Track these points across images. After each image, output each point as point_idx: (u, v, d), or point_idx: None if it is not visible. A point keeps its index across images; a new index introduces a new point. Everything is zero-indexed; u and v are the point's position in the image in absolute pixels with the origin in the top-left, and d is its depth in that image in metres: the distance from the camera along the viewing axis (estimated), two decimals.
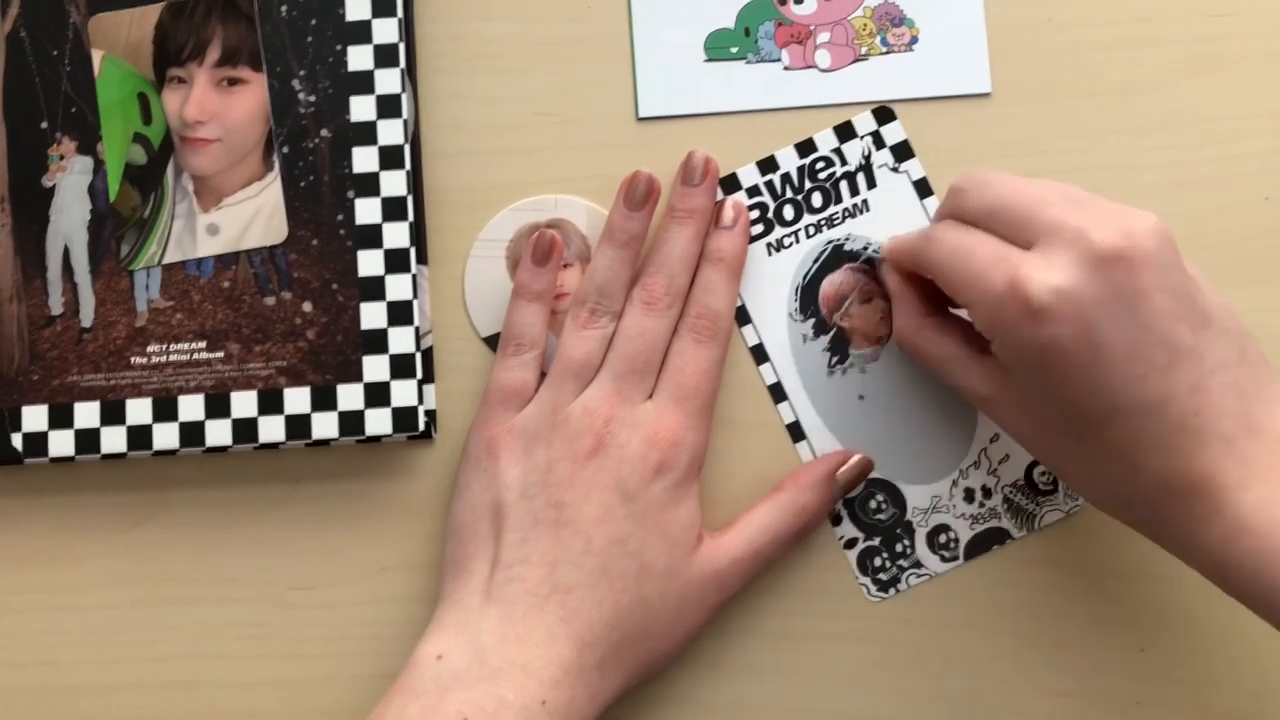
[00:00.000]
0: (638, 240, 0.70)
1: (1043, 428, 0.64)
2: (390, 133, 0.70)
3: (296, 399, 0.70)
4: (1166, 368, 0.59)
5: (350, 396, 0.69)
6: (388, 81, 0.71)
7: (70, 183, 0.71)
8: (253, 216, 0.71)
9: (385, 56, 0.71)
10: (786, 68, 0.73)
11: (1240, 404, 0.60)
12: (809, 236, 0.72)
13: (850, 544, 0.71)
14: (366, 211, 0.70)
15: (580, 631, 0.65)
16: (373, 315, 0.70)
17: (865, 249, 0.72)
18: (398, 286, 0.70)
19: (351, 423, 0.70)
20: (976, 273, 0.62)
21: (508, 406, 0.70)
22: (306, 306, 0.70)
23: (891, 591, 0.71)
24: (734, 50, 0.73)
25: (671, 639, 0.68)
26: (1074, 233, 0.60)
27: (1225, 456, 0.60)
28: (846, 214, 0.72)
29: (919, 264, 0.67)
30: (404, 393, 0.69)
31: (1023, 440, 0.65)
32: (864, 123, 0.72)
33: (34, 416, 0.70)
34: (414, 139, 0.72)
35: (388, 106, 0.71)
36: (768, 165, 0.72)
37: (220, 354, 0.70)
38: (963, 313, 0.68)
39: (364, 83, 0.71)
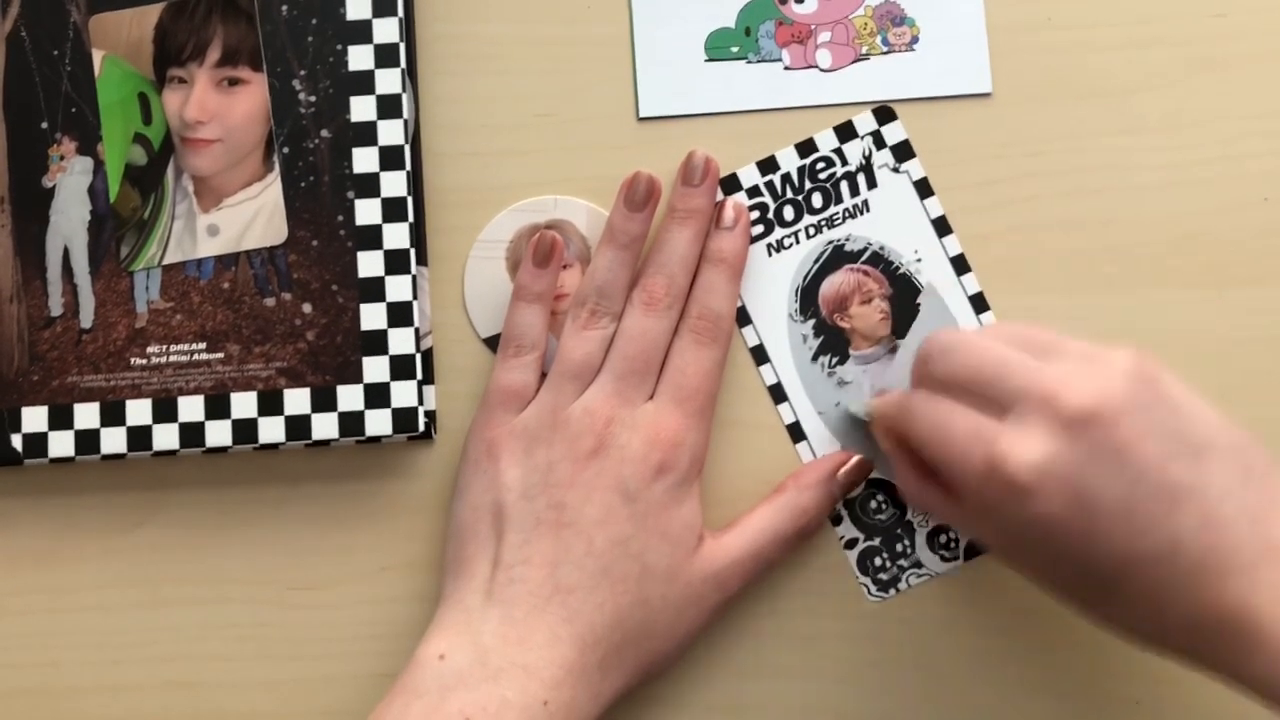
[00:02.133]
0: (638, 241, 0.70)
1: (1061, 583, 0.62)
2: (390, 133, 0.70)
3: (296, 400, 0.70)
4: (1169, 513, 0.57)
5: (350, 397, 0.69)
6: (388, 82, 0.71)
7: (70, 183, 0.71)
8: (253, 217, 0.71)
9: (386, 56, 0.71)
10: (787, 67, 0.73)
11: (1254, 528, 0.58)
12: (809, 237, 0.72)
13: (850, 544, 0.71)
14: (366, 212, 0.70)
15: (582, 632, 0.65)
16: (372, 316, 0.70)
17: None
18: (398, 287, 0.70)
19: (351, 423, 0.70)
20: (954, 453, 0.61)
21: (508, 408, 0.70)
22: (306, 308, 0.70)
23: (892, 592, 0.71)
24: (734, 50, 0.73)
25: (673, 639, 0.68)
26: (1045, 396, 0.58)
27: (1251, 588, 0.57)
28: (847, 214, 0.72)
29: (903, 433, 0.65)
30: (404, 394, 0.69)
31: (1044, 588, 0.63)
32: (864, 123, 0.72)
33: (34, 417, 0.70)
34: (414, 139, 0.72)
35: (388, 107, 0.70)
36: (768, 165, 0.72)
37: (220, 355, 0.70)
38: None
39: (364, 83, 0.71)
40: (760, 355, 0.72)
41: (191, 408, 0.70)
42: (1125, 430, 0.58)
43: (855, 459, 0.71)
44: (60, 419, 0.70)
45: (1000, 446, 0.58)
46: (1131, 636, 0.62)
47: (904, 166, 0.72)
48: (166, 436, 0.70)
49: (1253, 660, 0.57)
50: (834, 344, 0.72)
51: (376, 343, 0.70)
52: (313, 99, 0.71)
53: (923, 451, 0.63)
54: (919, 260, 0.72)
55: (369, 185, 0.70)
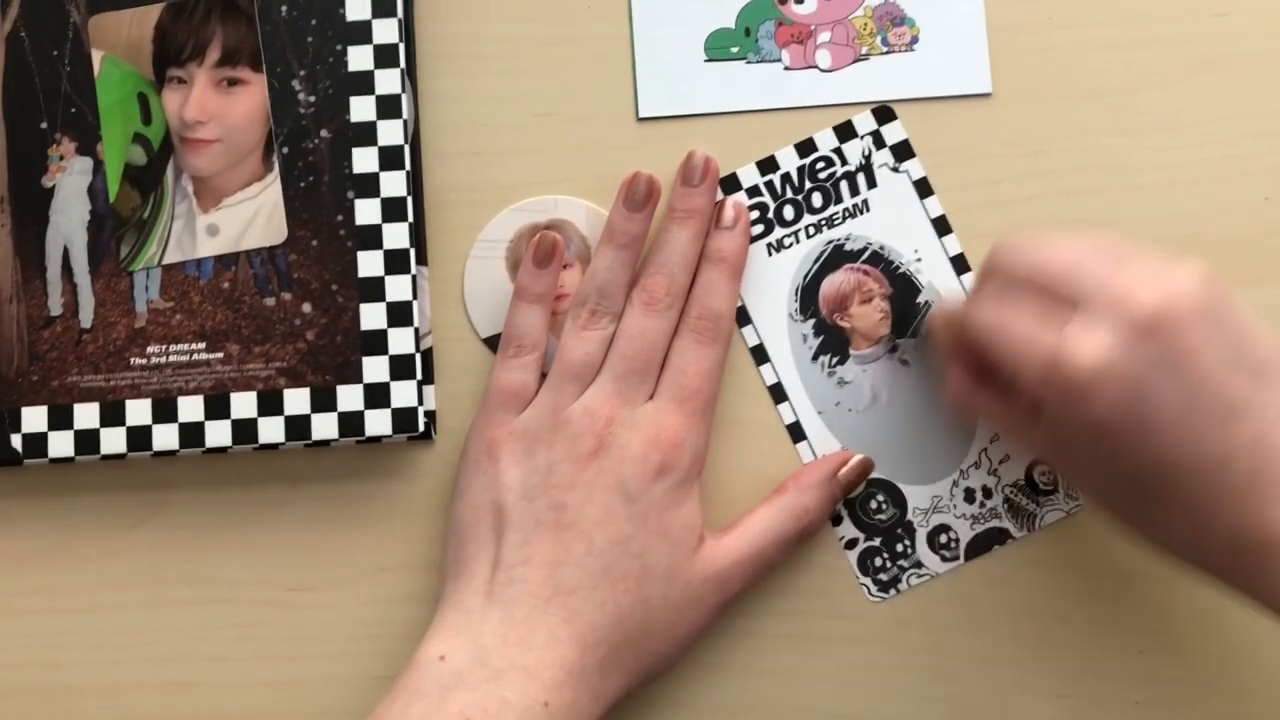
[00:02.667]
0: (638, 241, 0.70)
1: (1106, 489, 0.63)
2: (390, 133, 0.70)
3: (296, 400, 0.70)
4: (1224, 424, 0.58)
5: (350, 397, 0.69)
6: (388, 82, 0.71)
7: (70, 183, 0.71)
8: (252, 217, 0.70)
9: (385, 57, 0.71)
10: (787, 68, 0.73)
11: None
12: (809, 236, 0.72)
13: (851, 544, 0.71)
14: (366, 212, 0.70)
15: (583, 633, 0.65)
16: (372, 316, 0.70)
17: (879, 256, 0.72)
18: (397, 287, 0.70)
19: (351, 424, 0.69)
20: (1017, 346, 0.61)
21: (508, 408, 0.70)
22: (306, 307, 0.70)
23: (892, 592, 0.71)
24: (734, 50, 0.73)
25: (673, 640, 0.68)
26: (1114, 298, 0.58)
27: None
28: (847, 214, 0.72)
29: (963, 333, 0.66)
30: (404, 394, 0.69)
31: (1087, 496, 0.64)
32: (864, 122, 0.72)
33: (33, 417, 0.70)
34: (414, 139, 0.72)
35: (388, 107, 0.70)
36: (768, 165, 0.72)
37: (220, 355, 0.70)
38: None
39: (364, 83, 0.70)
40: (760, 355, 0.72)
41: (191, 408, 0.70)
42: (1193, 337, 0.58)
43: (856, 459, 0.71)
44: (60, 419, 0.70)
45: (1064, 344, 0.59)
46: (1170, 552, 0.62)
47: (904, 166, 0.72)
48: (166, 436, 0.70)
49: None
50: (834, 344, 0.72)
51: (376, 342, 0.70)
52: (312, 99, 0.71)
53: (982, 350, 0.64)
54: (919, 260, 0.72)
55: (369, 185, 0.70)
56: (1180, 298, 0.58)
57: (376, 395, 0.69)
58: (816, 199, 0.72)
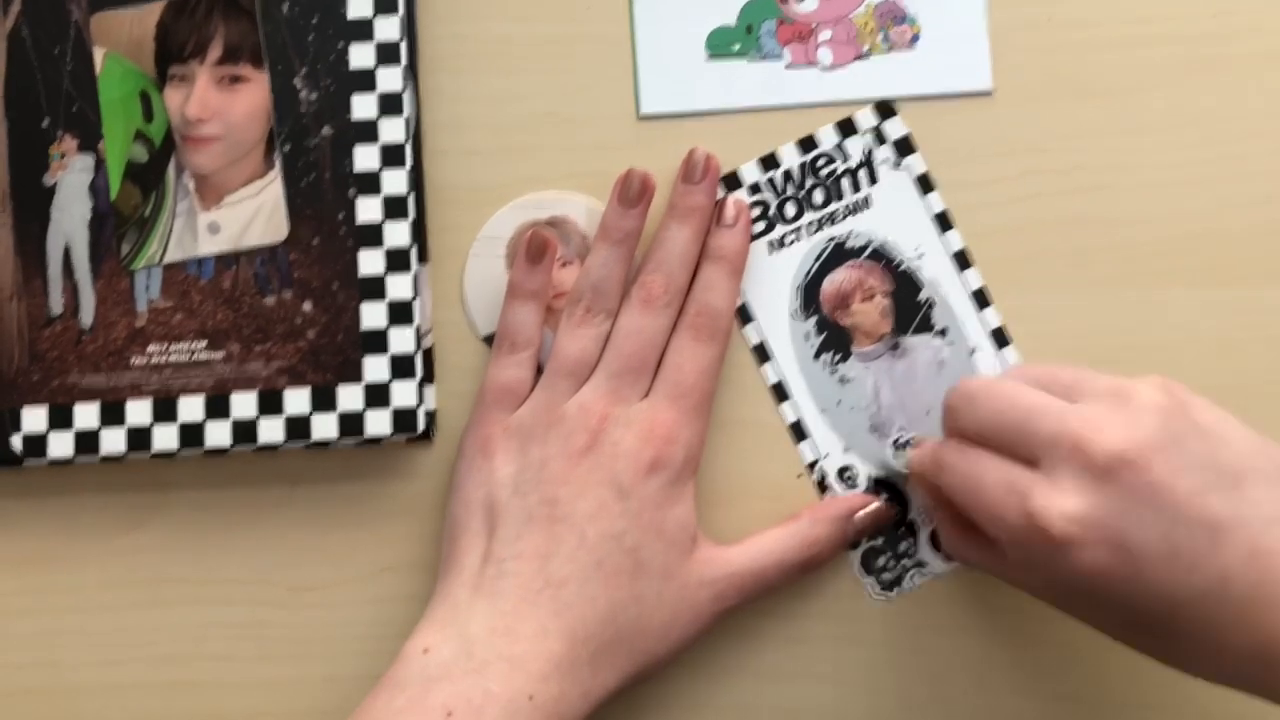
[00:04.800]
0: (633, 238, 0.70)
1: (1114, 628, 0.62)
2: (392, 131, 0.70)
3: (296, 400, 0.69)
4: (1214, 549, 0.56)
5: (350, 397, 0.69)
6: (389, 79, 0.71)
7: (71, 181, 0.71)
8: (253, 215, 0.70)
9: (387, 54, 0.71)
10: (788, 65, 0.73)
11: None
12: (810, 234, 0.72)
13: (854, 544, 0.71)
14: (367, 210, 0.70)
15: (573, 626, 0.65)
16: (373, 315, 0.70)
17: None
18: (398, 286, 0.70)
19: (351, 424, 0.69)
20: (990, 507, 0.60)
21: (503, 405, 0.70)
22: (307, 306, 0.70)
23: (895, 591, 0.71)
24: (735, 48, 0.73)
25: (666, 641, 0.67)
26: (1072, 445, 0.58)
27: None
28: (848, 210, 0.72)
29: (939, 487, 0.65)
30: (404, 393, 0.69)
31: (1098, 630, 0.63)
32: (865, 118, 0.73)
33: (33, 417, 0.70)
34: (415, 137, 0.72)
35: (389, 104, 0.70)
36: (769, 162, 0.72)
37: (220, 354, 0.70)
38: None
39: (366, 81, 0.71)
40: (762, 354, 0.72)
41: (191, 408, 0.70)
42: (1158, 469, 0.57)
43: (875, 505, 0.71)
44: (60, 419, 0.70)
45: (1035, 501, 0.58)
46: (1192, 672, 0.61)
47: (905, 162, 0.72)
48: (166, 437, 0.70)
49: None
50: (836, 341, 0.72)
51: (377, 341, 0.70)
52: (314, 97, 0.71)
53: (958, 506, 0.63)
54: (920, 256, 0.72)
55: (370, 183, 0.70)
56: (1139, 431, 0.58)
57: (377, 395, 0.69)
58: (818, 196, 0.72)
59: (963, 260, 0.72)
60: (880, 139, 0.72)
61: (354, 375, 0.69)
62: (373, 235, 0.70)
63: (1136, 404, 0.59)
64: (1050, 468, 0.58)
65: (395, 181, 0.70)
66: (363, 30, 0.71)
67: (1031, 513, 0.58)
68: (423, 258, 0.71)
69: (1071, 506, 0.57)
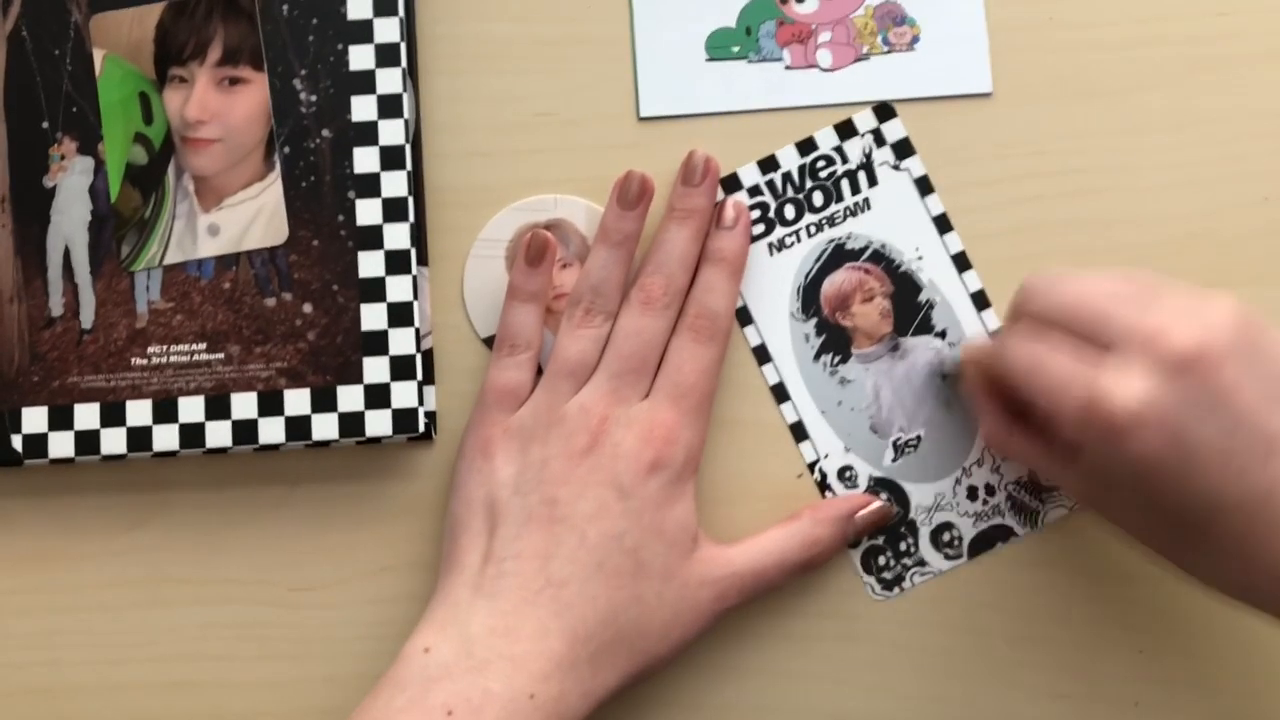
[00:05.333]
0: (632, 239, 0.70)
1: (1149, 529, 0.63)
2: (391, 133, 0.70)
3: (296, 400, 0.70)
4: (1266, 460, 0.57)
5: (350, 398, 0.69)
6: (389, 81, 0.71)
7: (71, 183, 0.71)
8: (253, 217, 0.70)
9: (386, 56, 0.71)
10: (788, 67, 0.73)
11: None
12: (810, 235, 0.72)
13: (854, 543, 0.71)
14: (367, 212, 0.70)
15: (573, 625, 0.65)
16: (373, 317, 0.70)
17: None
18: (398, 288, 0.70)
19: (352, 424, 0.69)
20: (1053, 387, 0.61)
21: (503, 406, 0.70)
22: (307, 308, 0.70)
23: (895, 590, 0.71)
24: (735, 50, 0.73)
25: (667, 641, 0.67)
26: (1148, 337, 0.58)
27: None
28: (848, 212, 0.72)
29: (996, 373, 0.65)
30: (404, 394, 0.69)
31: (1129, 535, 0.64)
32: (864, 120, 0.73)
33: (34, 418, 0.70)
34: (415, 139, 0.72)
35: (389, 106, 0.70)
36: (768, 164, 0.72)
37: (220, 355, 0.70)
38: None
39: (365, 82, 0.71)
40: (762, 355, 0.72)
41: (192, 408, 0.70)
42: (1229, 373, 0.58)
43: (875, 504, 0.71)
44: (60, 419, 0.70)
45: (1101, 384, 0.58)
46: (1217, 586, 0.62)
47: (904, 164, 0.72)
48: (167, 437, 0.70)
49: None
50: (836, 343, 0.72)
51: (377, 343, 0.70)
52: (314, 98, 0.71)
53: (1018, 390, 0.63)
54: (920, 258, 0.72)
55: (370, 185, 0.70)
56: (1214, 334, 0.58)
57: (377, 396, 0.69)
58: (817, 198, 0.72)
59: (962, 262, 0.72)
60: (880, 141, 0.72)
61: (354, 377, 0.70)
62: (373, 237, 0.70)
63: (1213, 315, 0.59)
64: (1123, 355, 0.59)
65: (395, 184, 0.70)
66: (362, 32, 0.71)
67: (1095, 395, 0.58)
68: (422, 260, 0.71)
69: (1137, 393, 0.57)
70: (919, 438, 0.72)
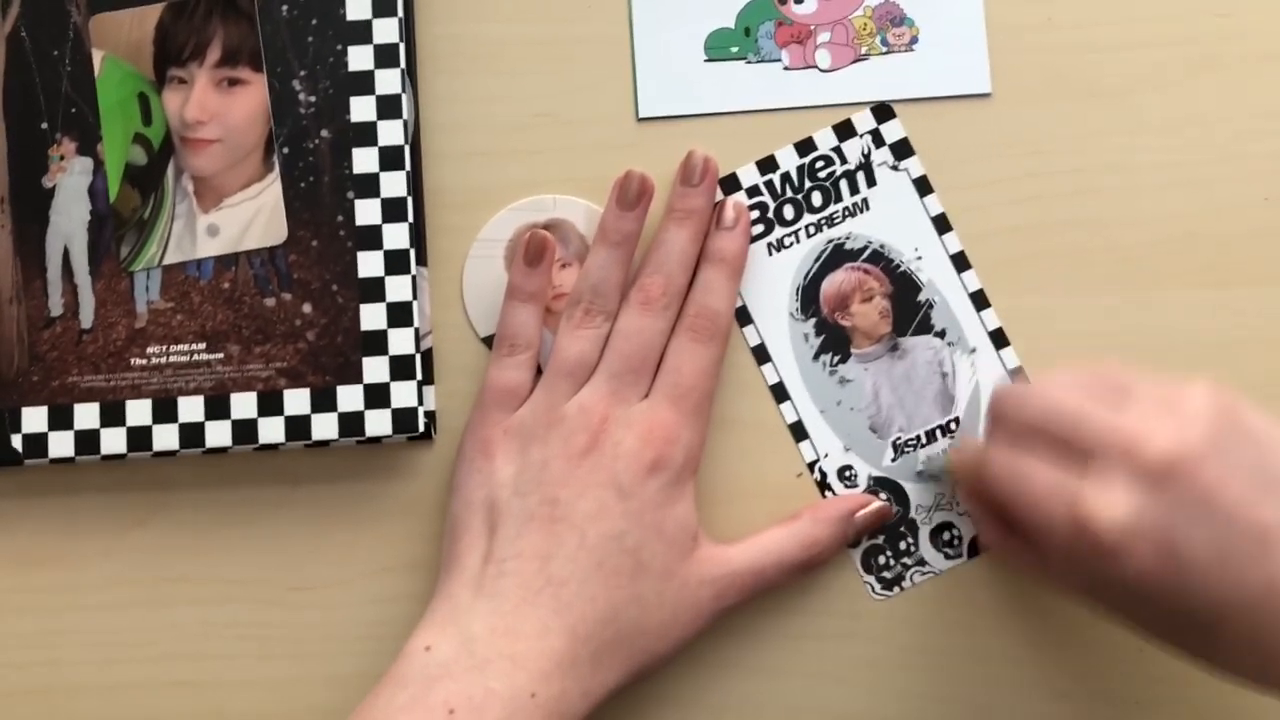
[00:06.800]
0: (631, 239, 0.70)
1: (1159, 631, 0.61)
2: (390, 133, 0.70)
3: (296, 400, 0.70)
4: (1263, 556, 0.56)
5: (350, 398, 0.69)
6: (388, 82, 0.71)
7: (70, 183, 0.71)
8: (253, 217, 0.71)
9: (386, 57, 0.71)
10: (786, 68, 0.73)
11: None
12: (809, 236, 0.72)
13: (854, 542, 0.71)
14: (366, 212, 0.70)
15: (574, 624, 0.65)
16: (372, 316, 0.70)
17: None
18: (397, 288, 0.70)
19: (351, 424, 0.70)
20: (1038, 508, 0.60)
21: (503, 407, 0.70)
22: (306, 308, 0.70)
23: (896, 590, 0.71)
24: (734, 50, 0.73)
25: (667, 640, 0.67)
26: (1122, 450, 0.58)
27: None
28: (847, 213, 0.72)
29: (984, 486, 0.65)
30: (404, 394, 0.69)
31: (1140, 636, 0.62)
32: (863, 121, 0.73)
33: (34, 418, 0.70)
34: (414, 140, 0.72)
35: (388, 107, 0.71)
36: (767, 165, 0.72)
37: (220, 355, 0.70)
38: None
39: (364, 83, 0.71)
40: (761, 354, 0.72)
41: (191, 408, 0.70)
42: (1209, 475, 0.57)
43: (875, 504, 0.71)
44: (60, 419, 0.70)
45: (1085, 505, 0.58)
46: (1236, 678, 0.60)
47: (903, 164, 0.72)
48: (166, 437, 0.70)
49: None
50: (835, 342, 0.72)
51: (376, 343, 0.70)
52: (313, 99, 0.71)
53: (1003, 507, 0.63)
54: (919, 258, 0.72)
55: (369, 185, 0.70)
56: (1191, 432, 0.57)
57: (377, 395, 0.69)
58: (816, 198, 0.72)
59: (961, 261, 0.72)
60: (879, 141, 0.72)
61: (354, 377, 0.70)
62: (372, 237, 0.70)
63: (1187, 409, 0.58)
64: (1100, 470, 0.58)
65: (394, 184, 0.70)
66: (361, 33, 0.71)
67: (1080, 516, 0.58)
68: (422, 260, 0.71)
69: (1121, 511, 0.57)
70: (919, 437, 0.72)
